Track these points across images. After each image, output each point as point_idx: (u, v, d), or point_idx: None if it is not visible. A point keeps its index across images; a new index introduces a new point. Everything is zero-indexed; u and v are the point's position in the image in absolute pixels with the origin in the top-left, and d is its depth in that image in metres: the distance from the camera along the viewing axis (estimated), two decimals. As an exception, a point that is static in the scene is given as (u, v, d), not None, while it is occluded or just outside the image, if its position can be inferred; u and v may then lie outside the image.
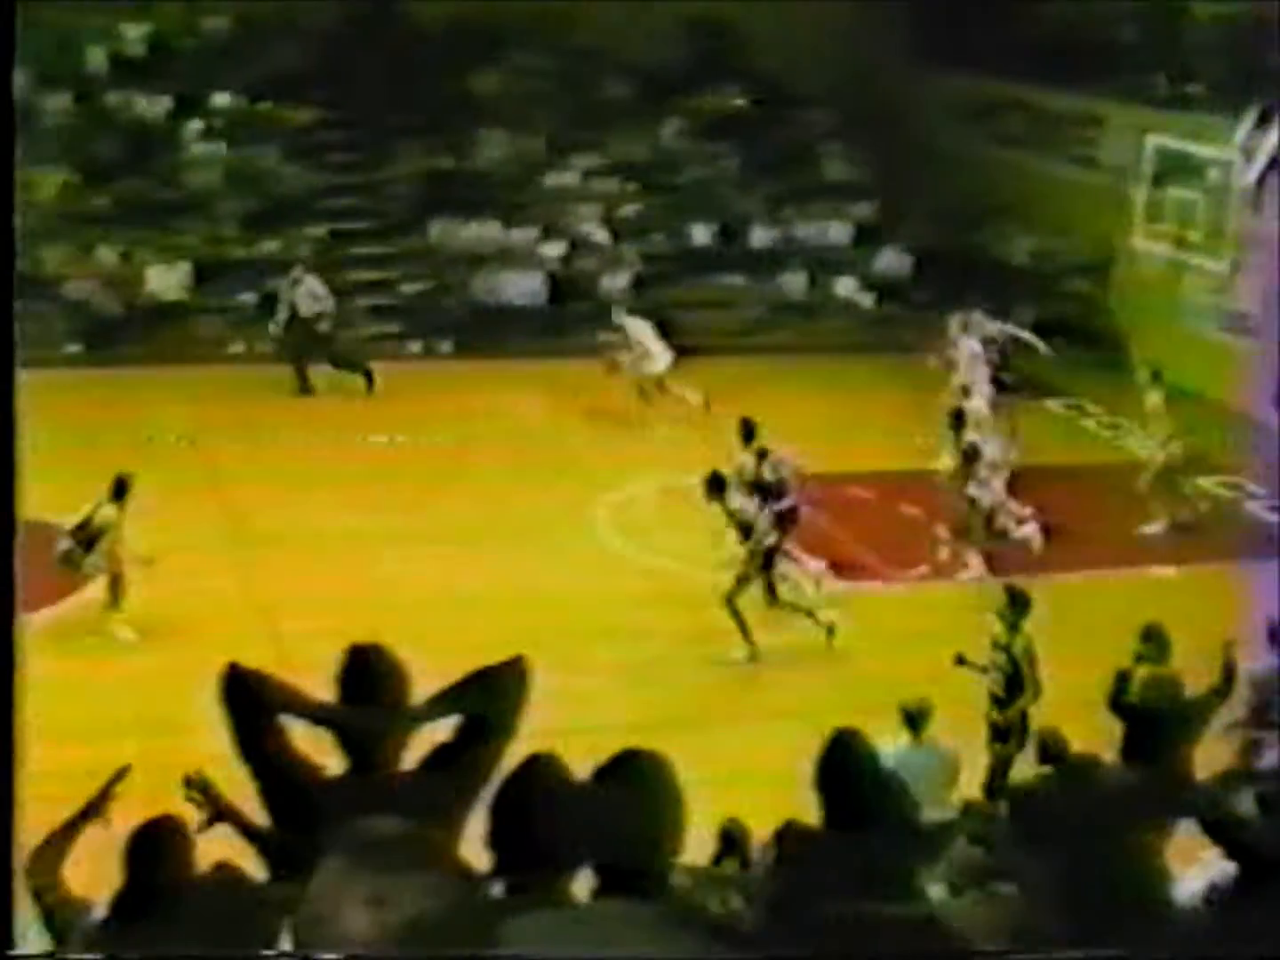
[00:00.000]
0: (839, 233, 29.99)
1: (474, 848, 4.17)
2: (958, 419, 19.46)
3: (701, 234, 29.39)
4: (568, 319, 27.39)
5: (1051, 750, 10.01)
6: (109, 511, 16.10)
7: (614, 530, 19.29)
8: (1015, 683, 12.76)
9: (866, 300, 28.98)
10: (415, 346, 26.55)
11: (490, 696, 4.98)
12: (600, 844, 3.96)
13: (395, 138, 28.81)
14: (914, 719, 11.06)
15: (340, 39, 29.22)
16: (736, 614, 15.95)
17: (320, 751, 5.01)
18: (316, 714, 4.87)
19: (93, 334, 25.87)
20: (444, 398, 23.67)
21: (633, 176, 29.75)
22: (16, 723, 3.79)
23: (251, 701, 4.88)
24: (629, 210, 29.42)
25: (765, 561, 16.30)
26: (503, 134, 29.46)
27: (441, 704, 4.96)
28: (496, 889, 3.99)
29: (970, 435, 19.02)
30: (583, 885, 4.03)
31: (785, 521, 16.91)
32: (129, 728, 14.22)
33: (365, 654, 4.99)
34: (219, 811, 5.23)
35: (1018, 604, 12.88)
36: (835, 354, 26.30)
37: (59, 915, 5.40)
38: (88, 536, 16.13)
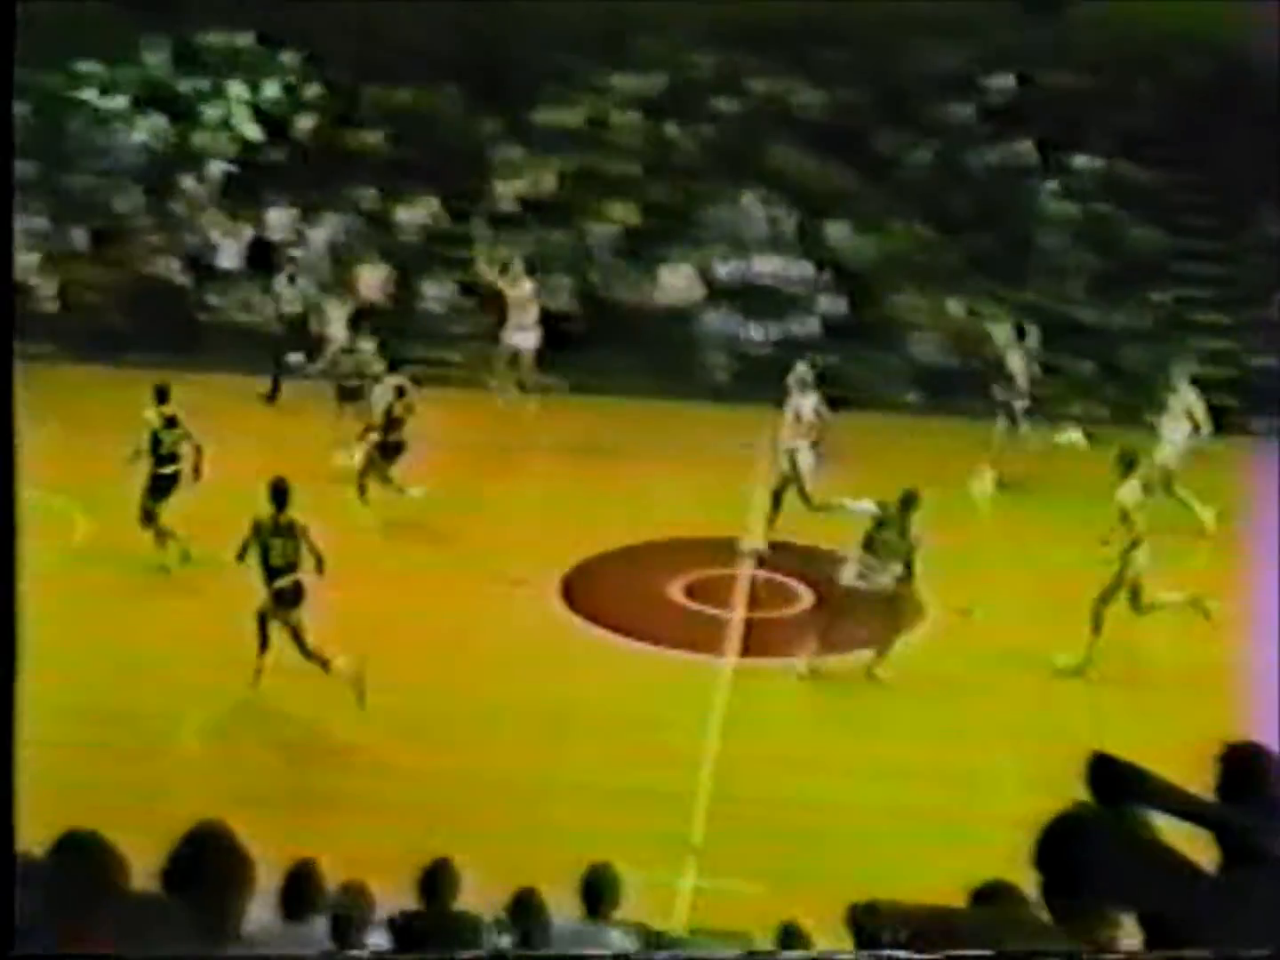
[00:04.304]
0: None
1: None
2: None
3: None
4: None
5: None
6: None
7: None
8: None
9: None
10: (1260, 424, 25.59)
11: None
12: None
13: (1254, 203, 27.92)
14: None
15: (1205, 96, 28.52)
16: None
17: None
18: (1192, 809, 4.71)
19: (930, 383, 26.63)
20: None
21: None
22: (13, 719, 3.86)
23: (1118, 790, 4.77)
24: None
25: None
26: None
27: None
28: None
29: None
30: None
31: None
32: (891, 770, 14.84)
33: (1246, 750, 4.82)
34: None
35: None
36: None
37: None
38: None
